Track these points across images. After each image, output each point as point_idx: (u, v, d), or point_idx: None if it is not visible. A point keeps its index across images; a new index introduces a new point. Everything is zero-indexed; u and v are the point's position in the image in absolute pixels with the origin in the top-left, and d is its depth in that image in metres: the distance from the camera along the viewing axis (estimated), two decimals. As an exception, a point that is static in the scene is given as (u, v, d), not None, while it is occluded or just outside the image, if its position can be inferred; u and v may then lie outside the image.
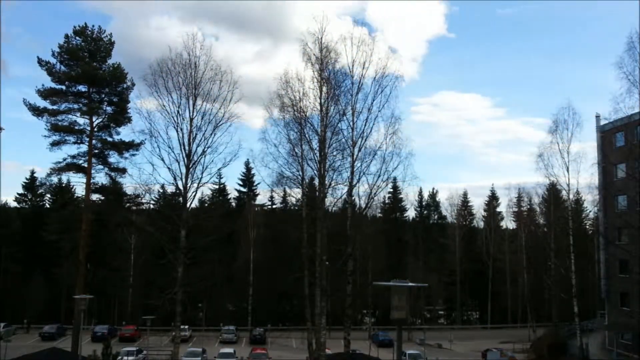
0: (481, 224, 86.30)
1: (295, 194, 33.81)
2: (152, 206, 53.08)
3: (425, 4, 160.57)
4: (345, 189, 31.22)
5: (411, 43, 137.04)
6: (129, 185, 44.09)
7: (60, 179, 55.02)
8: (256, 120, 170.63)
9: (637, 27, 31.79)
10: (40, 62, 42.32)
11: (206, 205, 72.44)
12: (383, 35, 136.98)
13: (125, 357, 37.47)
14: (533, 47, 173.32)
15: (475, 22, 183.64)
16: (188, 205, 34.01)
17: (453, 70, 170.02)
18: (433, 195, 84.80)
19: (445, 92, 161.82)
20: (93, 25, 43.83)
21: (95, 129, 42.77)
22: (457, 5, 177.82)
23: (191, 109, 33.10)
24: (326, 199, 30.96)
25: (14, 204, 73.28)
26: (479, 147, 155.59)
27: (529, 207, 75.91)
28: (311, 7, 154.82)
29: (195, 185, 33.82)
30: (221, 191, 75.67)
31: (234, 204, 77.30)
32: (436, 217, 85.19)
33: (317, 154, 30.74)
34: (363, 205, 32.77)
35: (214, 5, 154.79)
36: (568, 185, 46.05)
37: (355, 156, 30.78)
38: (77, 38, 43.41)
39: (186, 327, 56.19)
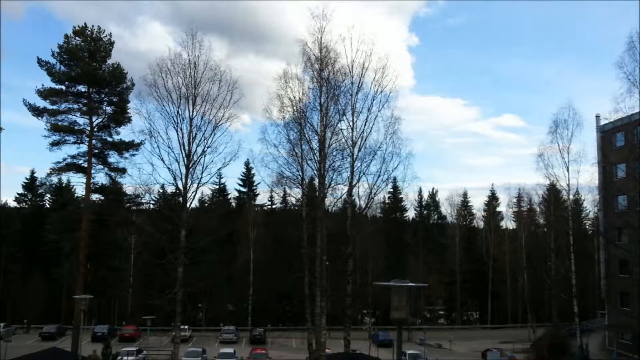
0: (481, 224, 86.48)
1: (295, 194, 33.88)
2: (152, 206, 53.08)
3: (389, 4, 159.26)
4: (345, 189, 31.28)
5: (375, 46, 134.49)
6: (129, 185, 44.05)
7: (60, 179, 55.32)
8: (236, 123, 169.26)
9: (637, 27, 31.90)
10: (40, 62, 42.21)
11: (206, 205, 72.47)
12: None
13: (125, 357, 37.38)
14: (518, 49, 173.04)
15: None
16: (188, 205, 34.05)
17: (417, 73, 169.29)
18: (433, 195, 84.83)
19: (409, 96, 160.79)
20: (93, 26, 43.76)
21: (95, 129, 42.71)
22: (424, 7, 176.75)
23: (191, 109, 33.12)
24: (326, 199, 31.01)
25: (14, 204, 73.51)
26: (451, 149, 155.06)
27: (529, 207, 75.98)
28: (271, 8, 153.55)
29: (195, 185, 33.88)
30: (221, 191, 75.68)
31: (234, 204, 77.29)
32: (436, 217, 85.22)
33: (317, 154, 30.77)
34: (363, 205, 32.87)
35: (175, 5, 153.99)
36: (568, 185, 45.93)
37: (355, 156, 30.83)
38: (77, 38, 43.25)
39: (186, 327, 56.17)
